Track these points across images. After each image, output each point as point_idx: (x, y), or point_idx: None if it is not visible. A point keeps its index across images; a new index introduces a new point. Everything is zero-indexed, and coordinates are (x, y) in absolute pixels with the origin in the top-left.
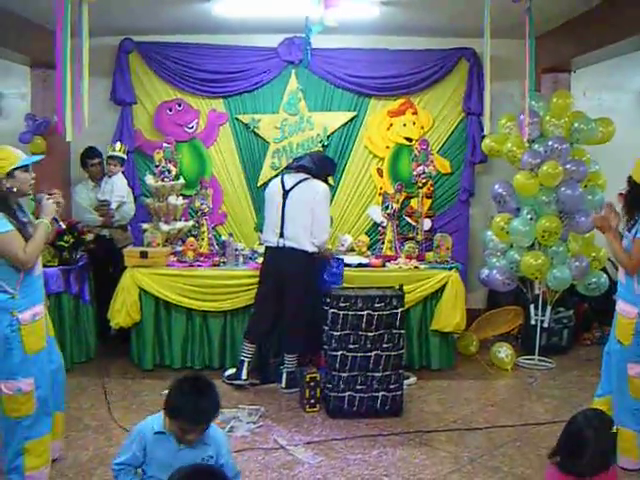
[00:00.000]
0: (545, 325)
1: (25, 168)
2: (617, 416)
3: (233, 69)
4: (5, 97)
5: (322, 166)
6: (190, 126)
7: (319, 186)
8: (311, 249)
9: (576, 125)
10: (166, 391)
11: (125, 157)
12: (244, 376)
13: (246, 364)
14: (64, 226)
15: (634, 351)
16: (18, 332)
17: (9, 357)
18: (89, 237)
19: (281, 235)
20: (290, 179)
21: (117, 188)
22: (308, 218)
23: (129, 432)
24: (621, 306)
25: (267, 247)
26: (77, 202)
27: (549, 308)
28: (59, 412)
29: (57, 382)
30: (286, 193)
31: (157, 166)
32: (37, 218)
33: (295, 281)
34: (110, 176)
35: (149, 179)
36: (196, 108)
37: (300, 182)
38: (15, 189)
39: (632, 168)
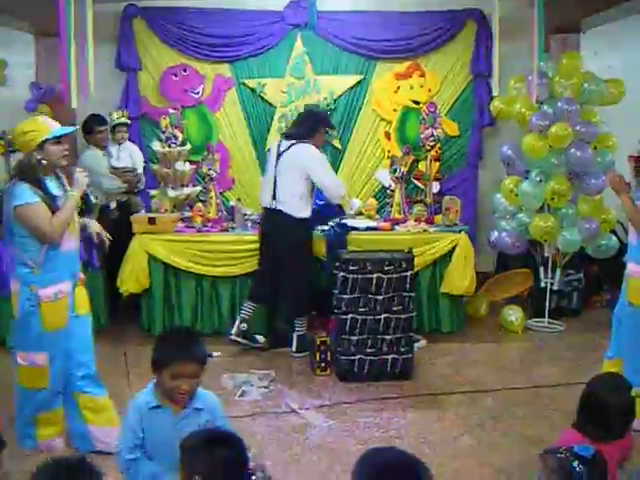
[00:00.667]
0: (555, 287)
1: (57, 140)
2: (628, 377)
3: (238, 33)
4: (10, 66)
5: (308, 125)
6: (196, 91)
7: (306, 151)
8: (302, 215)
9: (586, 86)
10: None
11: (129, 122)
12: (233, 330)
13: (238, 320)
14: (95, 200)
15: None
16: (37, 308)
17: (27, 330)
18: (113, 205)
19: (274, 197)
20: (283, 144)
21: (137, 154)
22: (299, 186)
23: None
24: (632, 268)
25: (263, 207)
26: (93, 169)
27: (559, 270)
28: (99, 395)
29: (89, 359)
30: (279, 156)
31: (163, 132)
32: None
33: (287, 246)
34: (120, 143)
35: (156, 145)
36: (202, 73)
37: (289, 148)
38: (45, 162)
39: None
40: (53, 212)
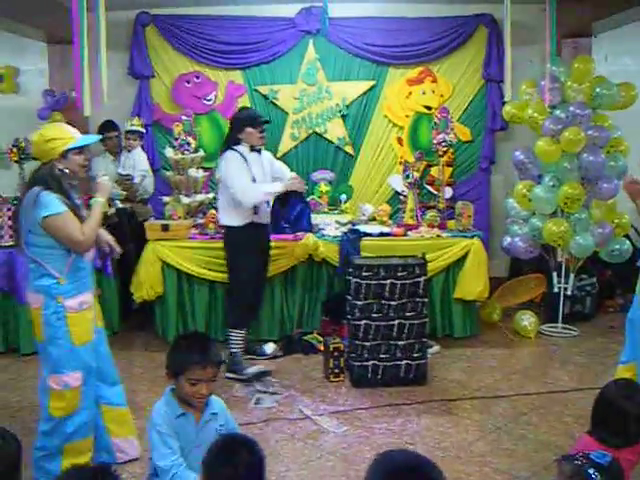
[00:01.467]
0: (568, 293)
1: (79, 150)
2: None
3: (250, 40)
4: (23, 73)
5: (230, 132)
6: (208, 98)
7: (222, 162)
8: (231, 223)
9: (598, 90)
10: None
11: (144, 130)
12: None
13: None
14: (120, 205)
15: None
16: (64, 320)
17: (55, 348)
18: (111, 211)
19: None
20: None
21: (139, 162)
22: (223, 195)
23: (151, 432)
24: None
25: None
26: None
27: (572, 275)
28: (123, 407)
29: (112, 371)
30: None
31: (176, 139)
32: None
33: (224, 255)
34: (129, 150)
35: (169, 152)
36: (214, 80)
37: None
38: (68, 171)
39: None
40: (79, 221)
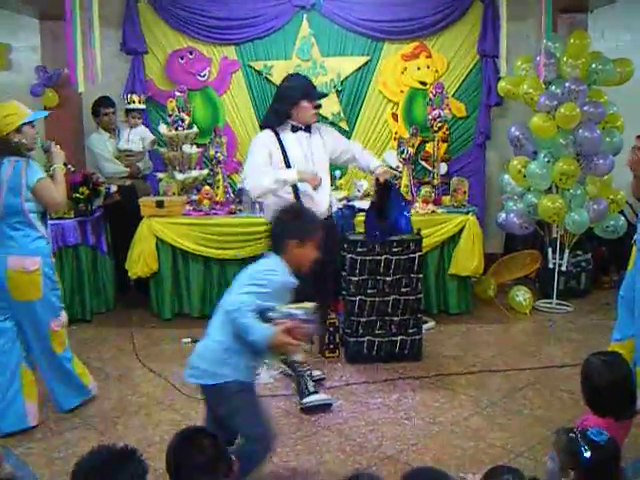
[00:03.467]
0: (563, 269)
1: (31, 124)
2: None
3: (244, 15)
4: (15, 50)
5: (279, 99)
6: (202, 74)
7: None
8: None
9: (594, 66)
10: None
11: (144, 107)
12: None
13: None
14: (72, 169)
15: None
16: (53, 272)
17: (54, 296)
18: (113, 189)
19: None
20: None
21: (148, 135)
22: None
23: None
24: None
25: None
26: (96, 153)
27: (567, 251)
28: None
29: None
30: None
31: (170, 115)
32: (50, 166)
33: None
34: (132, 127)
35: (162, 128)
36: (208, 56)
37: None
38: (24, 141)
39: None
40: None
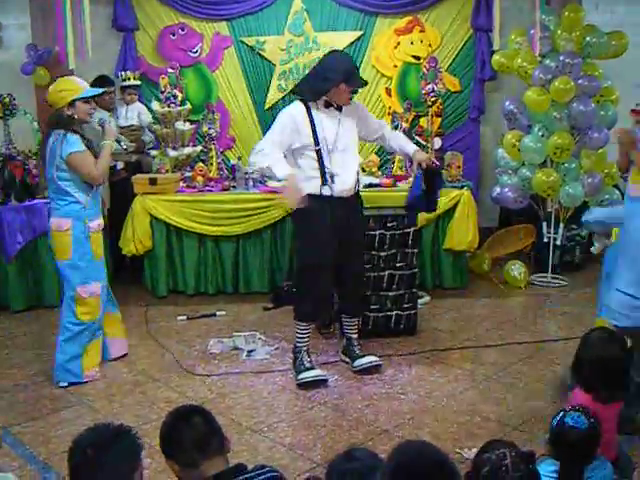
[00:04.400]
0: (558, 243)
1: (86, 99)
2: None
3: None
4: (5, 28)
5: (318, 76)
6: (194, 50)
7: None
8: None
9: (588, 39)
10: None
11: (139, 83)
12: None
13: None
14: (125, 146)
15: None
16: (89, 239)
17: (83, 262)
18: (120, 165)
19: None
20: None
21: (145, 114)
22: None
23: None
24: None
25: None
26: (98, 131)
27: (562, 225)
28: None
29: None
30: None
31: (162, 92)
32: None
33: None
34: (129, 104)
35: (155, 105)
36: (199, 32)
37: None
38: (76, 117)
39: None
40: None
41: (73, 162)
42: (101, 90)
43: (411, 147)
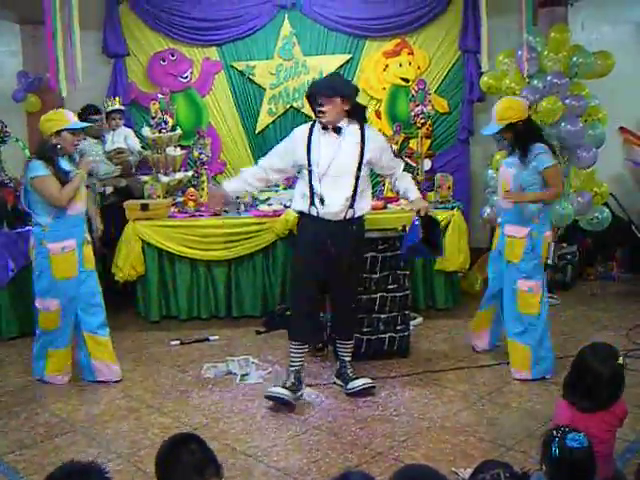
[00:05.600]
0: (549, 262)
1: (72, 131)
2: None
3: (225, 16)
4: None
5: (354, 96)
6: (184, 76)
7: None
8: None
9: (575, 59)
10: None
11: (123, 108)
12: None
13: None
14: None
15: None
16: (47, 260)
17: (41, 279)
18: (109, 190)
19: None
20: None
21: (132, 137)
22: None
23: None
24: (510, 229)
25: None
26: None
27: (553, 244)
28: (103, 336)
29: (96, 305)
30: None
31: (153, 117)
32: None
33: None
34: (115, 129)
35: (146, 131)
36: (189, 57)
37: None
38: (59, 146)
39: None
40: (63, 183)
41: (35, 185)
42: (86, 125)
43: (413, 194)
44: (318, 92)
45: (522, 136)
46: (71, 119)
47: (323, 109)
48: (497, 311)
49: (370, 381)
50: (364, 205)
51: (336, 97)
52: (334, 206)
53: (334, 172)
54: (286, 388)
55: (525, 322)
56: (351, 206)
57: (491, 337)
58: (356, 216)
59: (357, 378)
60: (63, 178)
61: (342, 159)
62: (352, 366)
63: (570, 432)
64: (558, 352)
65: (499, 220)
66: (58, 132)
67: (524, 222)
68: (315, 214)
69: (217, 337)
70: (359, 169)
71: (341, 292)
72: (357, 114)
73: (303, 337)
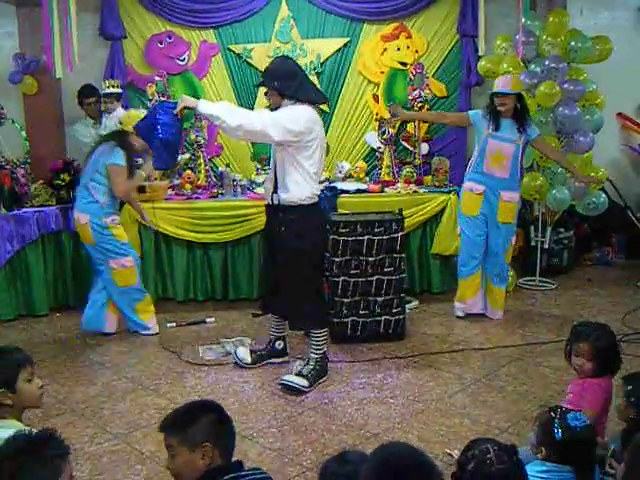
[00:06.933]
0: (545, 246)
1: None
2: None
3: None
4: None
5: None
6: (182, 58)
7: None
8: None
9: (573, 44)
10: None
11: (120, 91)
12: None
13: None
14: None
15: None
16: (107, 229)
17: (108, 244)
18: None
19: None
20: None
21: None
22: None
23: None
24: (508, 195)
25: None
26: (80, 140)
27: (549, 229)
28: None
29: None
30: None
31: (150, 100)
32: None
33: None
34: (110, 112)
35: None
36: (187, 40)
37: None
38: (137, 144)
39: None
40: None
41: (111, 170)
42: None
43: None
44: (262, 83)
45: (524, 108)
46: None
47: (267, 95)
48: (482, 273)
49: (302, 383)
50: (292, 190)
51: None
52: (265, 190)
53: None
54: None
55: (506, 269)
56: (275, 191)
57: (484, 300)
58: (286, 204)
59: (300, 375)
60: (131, 172)
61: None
62: (314, 366)
63: (567, 412)
64: (553, 337)
65: (481, 189)
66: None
67: (517, 188)
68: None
69: (214, 319)
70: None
71: (278, 279)
72: (299, 98)
73: (263, 307)
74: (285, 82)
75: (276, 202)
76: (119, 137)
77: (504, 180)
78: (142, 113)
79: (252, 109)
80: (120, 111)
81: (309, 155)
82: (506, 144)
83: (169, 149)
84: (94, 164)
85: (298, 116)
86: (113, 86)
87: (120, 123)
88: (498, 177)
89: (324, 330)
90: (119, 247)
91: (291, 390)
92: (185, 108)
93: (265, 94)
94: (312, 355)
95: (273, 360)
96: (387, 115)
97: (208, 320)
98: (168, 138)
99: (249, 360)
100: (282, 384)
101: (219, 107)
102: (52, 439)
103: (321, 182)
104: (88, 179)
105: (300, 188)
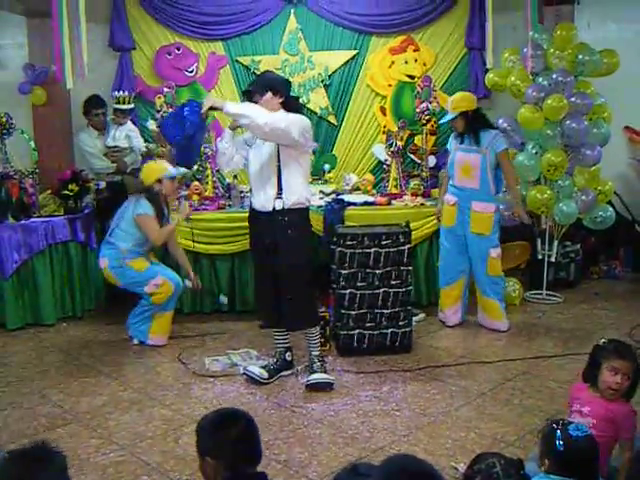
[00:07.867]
0: (552, 260)
1: (172, 179)
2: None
3: (231, 11)
4: (2, 47)
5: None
6: (190, 70)
7: None
8: None
9: (580, 57)
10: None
11: (132, 107)
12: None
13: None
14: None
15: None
16: (126, 266)
17: (133, 278)
18: (102, 185)
19: None
20: None
21: (134, 135)
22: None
23: None
24: (480, 206)
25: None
26: (84, 150)
27: (556, 242)
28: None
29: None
30: None
31: (158, 111)
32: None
33: None
34: (122, 124)
35: (151, 124)
36: (195, 52)
37: None
38: (163, 191)
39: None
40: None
41: (139, 221)
42: (184, 170)
43: None
44: (252, 90)
45: (473, 123)
46: (169, 168)
47: (261, 102)
48: (465, 284)
49: (327, 376)
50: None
51: (267, 92)
52: (262, 199)
53: (256, 165)
54: (262, 367)
55: (492, 282)
56: (279, 196)
57: (463, 311)
58: (286, 208)
59: (316, 372)
60: (161, 221)
61: (261, 150)
62: (320, 360)
63: (569, 423)
64: (560, 351)
65: (453, 200)
66: (159, 180)
67: (490, 200)
68: (253, 206)
69: (226, 298)
70: (278, 159)
71: (281, 284)
72: (291, 105)
73: (261, 323)
74: (287, 90)
75: (279, 207)
76: (144, 189)
77: (475, 191)
78: (162, 164)
79: None
80: (128, 124)
81: (307, 159)
82: (472, 154)
83: (193, 147)
84: (120, 214)
85: (306, 121)
86: (127, 102)
87: (127, 137)
88: (469, 188)
89: (318, 327)
90: (144, 275)
91: (324, 386)
92: (211, 109)
93: (250, 100)
94: (315, 352)
95: (284, 373)
96: (394, 128)
97: (222, 298)
98: (194, 135)
99: (266, 375)
100: (311, 385)
101: (246, 107)
102: (49, 451)
103: (328, 194)
104: (113, 228)
105: (305, 189)
